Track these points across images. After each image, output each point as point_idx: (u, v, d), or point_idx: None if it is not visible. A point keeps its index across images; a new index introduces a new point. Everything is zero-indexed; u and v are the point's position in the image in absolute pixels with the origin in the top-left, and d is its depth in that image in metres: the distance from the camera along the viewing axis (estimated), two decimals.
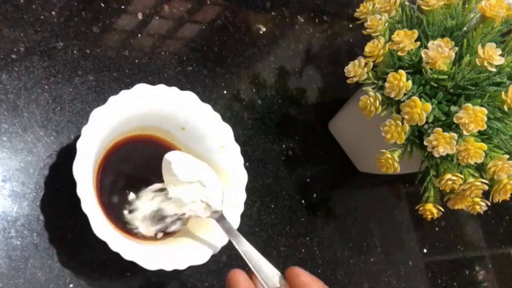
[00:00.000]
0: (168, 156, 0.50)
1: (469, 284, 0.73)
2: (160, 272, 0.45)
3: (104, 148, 0.51)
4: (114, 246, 0.43)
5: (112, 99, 0.47)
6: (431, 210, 0.52)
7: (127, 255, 0.43)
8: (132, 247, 0.46)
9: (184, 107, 0.52)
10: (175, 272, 0.46)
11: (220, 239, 0.49)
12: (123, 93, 0.48)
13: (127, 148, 0.53)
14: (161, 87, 0.50)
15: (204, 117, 0.53)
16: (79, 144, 0.44)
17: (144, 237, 0.50)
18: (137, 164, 0.53)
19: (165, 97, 0.51)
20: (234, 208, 0.51)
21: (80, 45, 0.55)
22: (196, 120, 0.53)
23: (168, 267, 0.46)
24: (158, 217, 0.50)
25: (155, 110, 0.51)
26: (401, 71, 0.49)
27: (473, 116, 0.46)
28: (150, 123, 0.53)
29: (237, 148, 0.54)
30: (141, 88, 0.49)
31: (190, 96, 0.52)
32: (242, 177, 0.53)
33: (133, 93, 0.48)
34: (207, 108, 0.53)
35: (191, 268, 0.47)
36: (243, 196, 0.52)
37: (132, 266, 0.44)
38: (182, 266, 0.46)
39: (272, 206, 0.62)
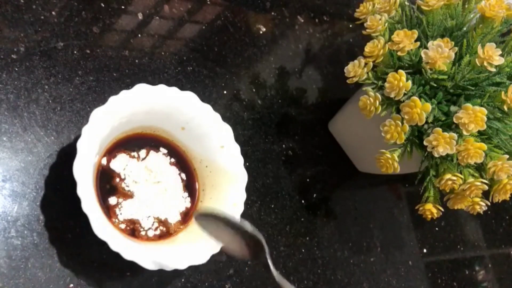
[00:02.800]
0: None
1: (469, 284, 0.73)
2: (160, 272, 0.45)
3: (104, 148, 0.51)
4: (114, 246, 0.43)
5: (112, 99, 0.47)
6: (431, 210, 0.52)
7: (127, 255, 0.44)
8: (132, 247, 0.46)
9: (184, 107, 0.52)
10: (175, 272, 0.46)
11: None
12: (123, 93, 0.48)
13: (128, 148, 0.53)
14: (161, 87, 0.50)
15: (204, 117, 0.53)
16: (79, 144, 0.44)
17: (144, 237, 0.50)
18: None
19: (165, 97, 0.51)
20: (234, 207, 0.51)
21: (80, 45, 0.55)
22: (196, 120, 0.53)
23: (168, 267, 0.46)
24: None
25: (155, 110, 0.51)
26: (401, 71, 0.49)
27: (473, 116, 0.46)
28: (150, 123, 0.53)
29: (237, 148, 0.54)
30: (141, 88, 0.49)
31: (190, 96, 0.52)
32: (242, 177, 0.53)
33: (133, 93, 0.48)
34: (207, 108, 0.53)
35: (191, 268, 0.47)
36: (243, 196, 0.52)
37: (132, 266, 0.44)
38: (182, 266, 0.46)
39: (272, 206, 0.62)
